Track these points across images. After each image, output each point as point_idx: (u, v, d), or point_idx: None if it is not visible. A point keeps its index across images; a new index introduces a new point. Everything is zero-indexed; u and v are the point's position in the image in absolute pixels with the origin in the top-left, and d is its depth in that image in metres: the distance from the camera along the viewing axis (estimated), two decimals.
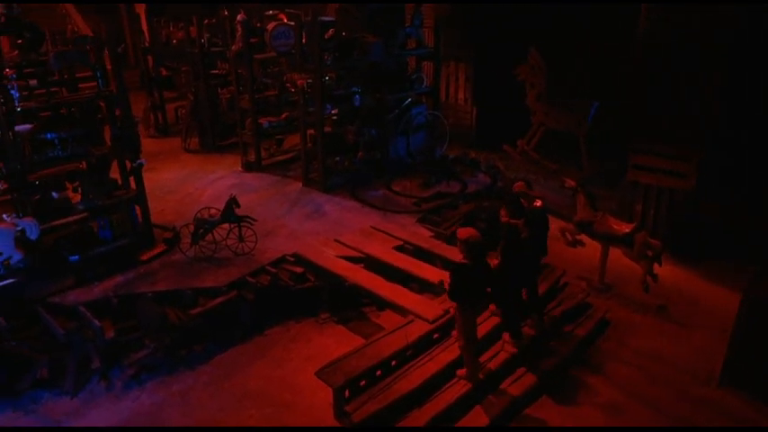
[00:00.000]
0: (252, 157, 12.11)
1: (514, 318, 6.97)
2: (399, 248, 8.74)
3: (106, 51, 8.02)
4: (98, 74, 8.07)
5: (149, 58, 14.60)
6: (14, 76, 7.25)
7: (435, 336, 6.98)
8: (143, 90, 15.02)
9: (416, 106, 12.24)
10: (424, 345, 6.79)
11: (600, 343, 7.57)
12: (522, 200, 6.91)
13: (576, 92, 13.00)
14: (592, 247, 8.87)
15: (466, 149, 14.54)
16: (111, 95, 8.11)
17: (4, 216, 7.52)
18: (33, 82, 8.37)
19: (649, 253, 8.11)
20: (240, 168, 12.23)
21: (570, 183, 8.84)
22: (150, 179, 11.83)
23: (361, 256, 8.52)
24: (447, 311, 7.05)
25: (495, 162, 12.65)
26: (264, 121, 12.09)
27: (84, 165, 8.70)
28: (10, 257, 7.40)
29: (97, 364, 6.89)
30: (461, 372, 6.37)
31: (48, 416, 6.54)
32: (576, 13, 12.60)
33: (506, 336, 6.99)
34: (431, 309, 7.11)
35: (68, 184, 8.51)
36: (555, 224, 10.58)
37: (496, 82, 14.25)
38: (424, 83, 12.24)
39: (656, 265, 8.13)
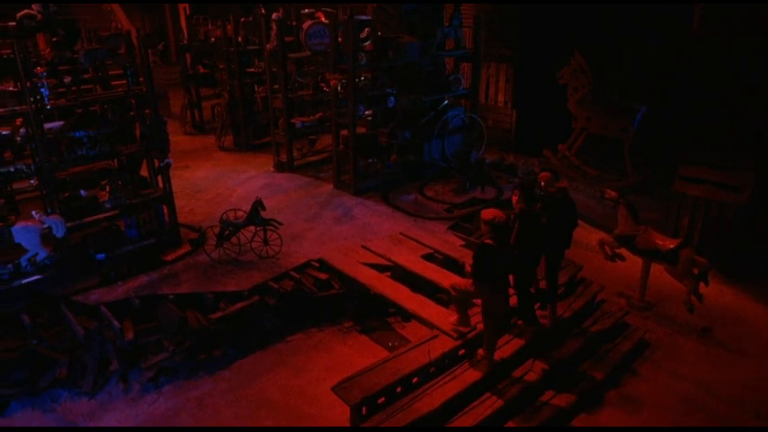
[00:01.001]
0: (284, 158, 11.98)
1: (527, 304, 6.87)
2: (428, 257, 8.43)
3: (137, 49, 7.93)
4: (128, 72, 8.00)
5: (188, 55, 14.66)
6: (45, 74, 7.24)
7: (461, 352, 6.64)
8: (184, 87, 15.08)
9: (453, 108, 11.87)
10: (448, 361, 6.47)
11: (636, 365, 7.11)
12: (548, 188, 6.83)
13: (622, 96, 12.40)
14: (632, 262, 8.38)
15: (504, 153, 14.12)
16: (140, 94, 8.03)
17: (33, 213, 7.54)
18: (68, 79, 8.41)
19: (695, 271, 7.59)
20: (272, 168, 12.11)
21: (611, 193, 8.35)
22: (183, 177, 11.90)
23: (389, 263, 8.24)
24: (474, 327, 6.70)
25: (534, 167, 12.17)
26: (297, 121, 11.93)
27: (115, 163, 8.73)
28: (36, 255, 7.42)
29: (116, 366, 6.82)
30: (480, 351, 6.39)
31: (65, 416, 6.50)
32: (623, 13, 12.01)
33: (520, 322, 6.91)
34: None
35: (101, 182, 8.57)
36: (594, 235, 10.20)
37: (538, 84, 13.77)
38: (462, 84, 11.86)
39: (701, 285, 7.60)
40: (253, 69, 12.99)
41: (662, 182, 11.25)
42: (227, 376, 7.09)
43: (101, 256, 8.12)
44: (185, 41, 14.84)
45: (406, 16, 11.05)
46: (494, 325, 6.08)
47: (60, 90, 8.41)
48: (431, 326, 6.86)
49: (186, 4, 19.54)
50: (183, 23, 19.43)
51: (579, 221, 10.67)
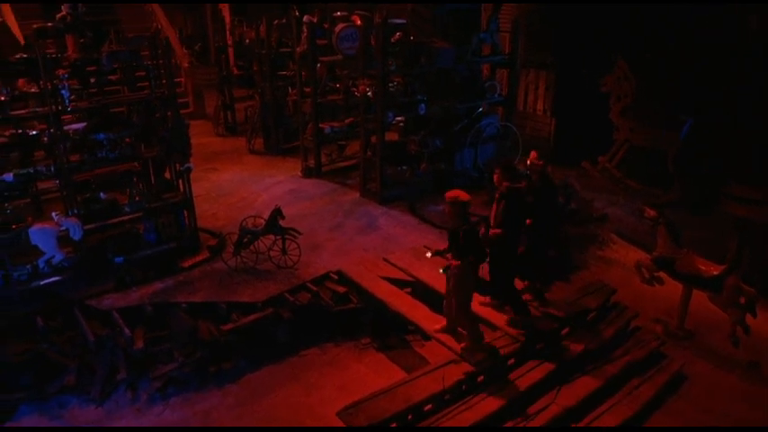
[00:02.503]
0: (312, 163, 11.77)
1: (512, 292, 6.90)
2: None
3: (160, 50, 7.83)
4: (151, 74, 7.90)
5: (222, 56, 14.64)
6: (66, 75, 7.19)
7: (480, 379, 6.25)
8: (218, 88, 15.07)
9: (488, 116, 11.44)
10: (466, 388, 6.09)
11: (671, 402, 6.56)
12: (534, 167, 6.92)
13: (668, 106, 11.71)
14: (672, 285, 7.80)
15: None
16: (162, 96, 7.92)
17: (53, 214, 7.52)
18: (93, 80, 8.39)
19: (742, 300, 6.99)
20: (299, 173, 11.91)
21: (650, 212, 7.79)
22: (210, 180, 11.82)
23: (410, 279, 7.89)
24: (493, 352, 6.30)
25: (571, 180, 11.61)
26: (326, 126, 11.71)
27: (138, 165, 8.67)
28: (52, 257, 7.38)
29: (123, 375, 6.69)
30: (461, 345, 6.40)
31: (71, 423, 6.40)
32: (672, 19, 11.33)
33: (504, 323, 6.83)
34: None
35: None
36: (633, 254, 9.62)
37: (579, 92, 13.18)
38: (498, 91, 11.41)
39: (748, 316, 6.99)
40: (285, 72, 12.83)
41: (709, 198, 10.56)
42: (235, 390, 6.87)
43: (119, 259, 8.05)
44: (219, 43, 14.83)
45: (441, 20, 10.68)
46: (470, 299, 6.34)
47: (91, 91, 8.41)
48: (448, 348, 6.48)
49: (226, 5, 19.62)
50: (228, 24, 19.54)
51: (617, 239, 10.27)
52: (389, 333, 7.63)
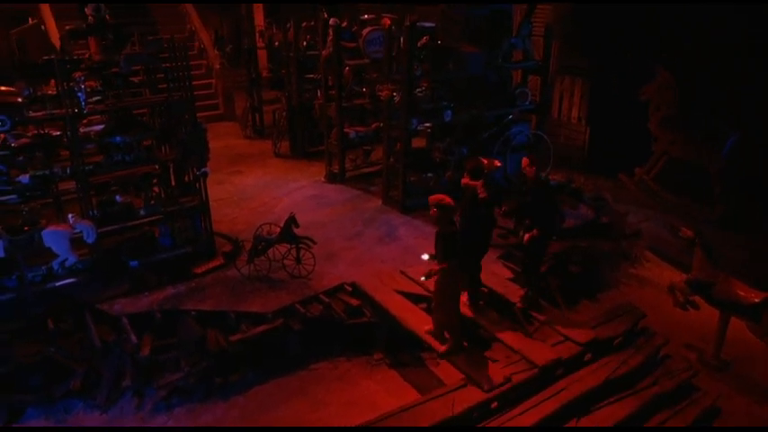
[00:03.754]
0: (336, 168, 11.55)
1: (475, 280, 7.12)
2: None
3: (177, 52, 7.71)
4: (168, 77, 7.80)
5: (251, 59, 14.57)
6: (83, 78, 7.14)
7: (494, 405, 5.90)
8: (247, 90, 15.03)
9: (518, 124, 11.02)
10: (477, 415, 5.75)
11: None
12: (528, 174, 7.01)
13: (713, 120, 11.07)
14: (709, 309, 7.29)
15: (573, 173, 13.04)
16: (179, 100, 7.81)
17: (70, 216, 7.48)
18: (116, 82, 8.33)
19: None
20: (323, 179, 11.71)
21: (687, 232, 7.30)
22: (232, 183, 11.73)
23: (427, 293, 7.57)
24: (509, 379, 5.94)
25: (603, 192, 11.10)
26: (351, 131, 11.48)
27: (158, 168, 8.60)
28: (66, 260, 7.33)
29: (128, 382, 6.58)
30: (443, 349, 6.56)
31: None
32: (722, 24, 10.71)
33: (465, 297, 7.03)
34: (490, 374, 6.02)
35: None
36: (667, 273, 9.10)
37: (616, 100, 12.63)
38: (529, 98, 10.98)
39: None
40: (313, 75, 12.65)
41: (755, 216, 9.96)
42: (241, 402, 6.70)
43: (134, 263, 7.97)
44: (248, 44, 14.78)
45: (471, 24, 10.32)
46: (456, 300, 6.50)
47: (115, 93, 8.35)
48: (461, 371, 6.15)
49: (260, 7, 19.60)
50: (259, 26, 19.53)
51: (652, 256, 9.74)
52: (403, 349, 7.34)
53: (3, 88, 6.78)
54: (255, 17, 20.21)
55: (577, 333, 6.61)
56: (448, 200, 6.14)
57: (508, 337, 6.58)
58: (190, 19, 17.17)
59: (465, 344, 6.60)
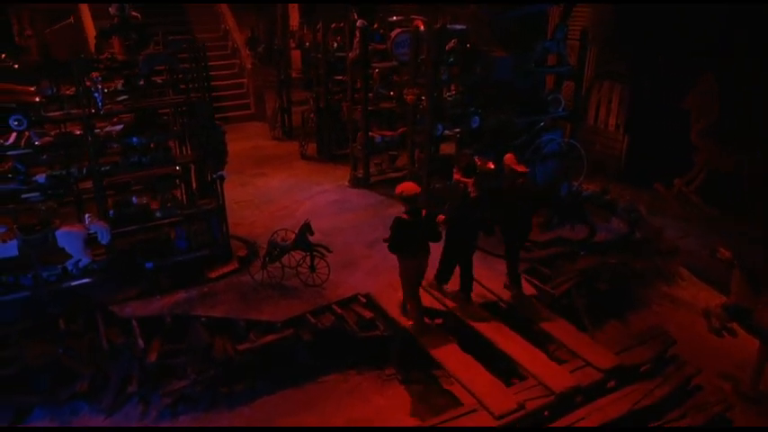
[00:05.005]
0: (360, 173, 11.32)
1: (446, 267, 7.28)
2: (491, 306, 7.35)
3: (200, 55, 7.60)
4: (187, 78, 7.70)
5: (281, 59, 14.47)
6: (100, 78, 7.09)
7: None
8: (276, 91, 14.94)
9: (549, 132, 10.56)
10: None
11: None
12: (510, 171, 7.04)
13: (761, 131, 10.42)
14: (746, 336, 6.79)
15: (609, 183, 12.49)
16: (198, 101, 7.69)
17: (86, 216, 7.46)
18: (142, 83, 8.28)
19: None
20: (347, 183, 11.50)
21: (725, 253, 6.80)
22: (256, 185, 11.62)
23: (443, 308, 7.27)
24: (522, 406, 5.58)
25: (637, 205, 10.55)
26: (377, 135, 11.22)
27: (179, 170, 8.52)
28: (79, 261, 7.30)
29: (134, 388, 6.48)
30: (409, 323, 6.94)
31: None
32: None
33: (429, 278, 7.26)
34: (502, 399, 5.69)
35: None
36: (704, 294, 8.57)
37: (656, 108, 12.05)
38: (562, 105, 10.51)
39: None
40: (341, 77, 12.45)
41: None
42: (246, 414, 6.54)
43: (149, 264, 7.90)
44: (278, 45, 14.70)
45: (502, 26, 9.94)
46: (410, 285, 6.78)
47: (139, 92, 8.31)
48: (472, 395, 5.83)
49: (295, 6, 19.57)
50: (292, 26, 19.48)
51: (688, 274, 9.18)
52: (416, 366, 7.05)
53: (20, 87, 6.77)
54: (291, 17, 20.24)
55: (600, 358, 6.20)
56: (409, 190, 6.37)
57: (525, 359, 6.22)
58: (224, 19, 17.22)
59: (427, 321, 7.04)
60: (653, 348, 6.50)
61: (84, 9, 15.14)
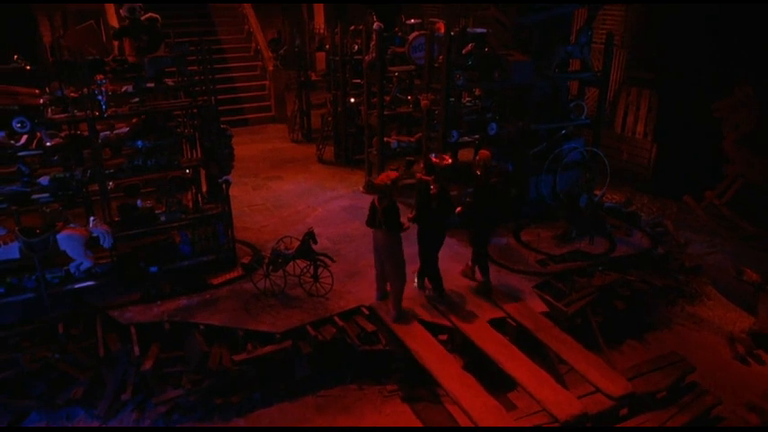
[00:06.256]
0: (375, 178, 11.06)
1: (426, 265, 7.46)
2: (499, 323, 7.01)
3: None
4: (192, 81, 7.57)
5: (302, 61, 14.35)
6: (104, 80, 7.01)
7: None
8: (296, 93, 14.82)
9: (571, 140, 10.15)
10: None
11: None
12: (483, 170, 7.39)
13: None
14: None
15: (635, 194, 12.00)
16: (204, 105, 7.56)
17: (91, 219, 7.40)
18: (152, 85, 8.21)
19: None
20: (361, 189, 11.27)
21: (752, 275, 6.39)
22: (270, 189, 11.49)
23: (449, 324, 6.97)
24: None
25: (663, 218, 10.06)
26: (393, 140, 10.98)
27: (190, 173, 8.42)
28: (80, 264, 7.24)
29: (128, 396, 6.36)
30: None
31: None
32: None
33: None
34: (502, 424, 5.37)
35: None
36: (731, 315, 8.06)
37: (687, 116, 11.51)
38: (585, 112, 10.09)
39: None
40: (359, 80, 12.24)
41: None
42: (241, 425, 6.36)
43: (153, 269, 7.80)
44: (298, 47, 14.57)
45: (523, 29, 9.59)
46: (401, 267, 7.04)
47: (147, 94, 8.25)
48: (469, 418, 5.53)
49: (321, 7, 19.49)
50: (320, 26, 19.41)
51: (715, 293, 8.67)
52: (419, 383, 6.77)
53: (23, 89, 6.74)
54: (316, 19, 20.18)
55: (610, 384, 5.82)
56: (384, 181, 6.87)
57: (531, 382, 5.87)
58: (248, 20, 17.21)
59: (431, 337, 6.82)
60: (670, 375, 6.09)
61: (111, 10, 15.28)
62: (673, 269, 8.64)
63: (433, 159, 7.29)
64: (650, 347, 7.48)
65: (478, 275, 7.76)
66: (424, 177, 7.24)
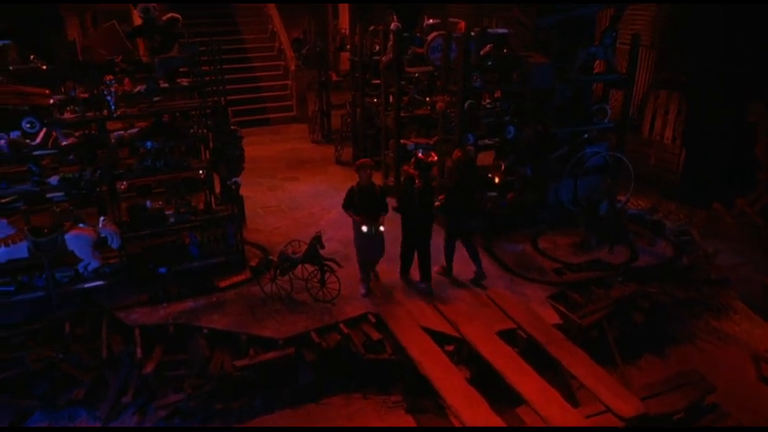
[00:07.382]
0: (391, 181, 10.90)
1: (404, 256, 7.95)
2: (508, 334, 6.77)
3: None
4: (200, 82, 7.52)
5: (324, 61, 14.27)
6: (113, 81, 6.99)
7: None
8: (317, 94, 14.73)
9: (594, 144, 9.80)
10: None
11: None
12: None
13: None
14: None
15: (662, 201, 11.57)
16: (214, 106, 7.50)
17: (101, 219, 7.41)
18: (165, 85, 8.19)
19: None
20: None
21: None
22: (286, 190, 11.41)
23: (456, 335, 6.76)
24: None
25: (689, 227, 9.64)
26: (410, 143, 10.77)
27: (202, 174, 8.38)
28: (88, 264, 7.24)
29: (129, 399, 6.33)
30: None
31: None
32: None
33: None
34: None
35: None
36: (759, 333, 7.66)
37: (717, 120, 11.05)
38: (609, 116, 9.72)
39: None
40: (378, 81, 12.08)
41: None
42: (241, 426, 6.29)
43: (162, 270, 7.78)
44: (319, 47, 14.49)
45: (541, 31, 9.28)
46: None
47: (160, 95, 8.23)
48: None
49: (346, 7, 19.35)
50: (345, 27, 19.28)
51: (743, 307, 8.26)
52: (425, 394, 6.57)
53: (33, 90, 6.76)
54: (340, 19, 20.08)
55: (622, 403, 5.53)
56: (368, 163, 7.53)
57: (538, 399, 5.63)
58: (272, 20, 17.21)
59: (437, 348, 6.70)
60: (688, 396, 5.78)
61: (134, 10, 15.40)
62: (698, 281, 8.24)
63: (420, 156, 7.99)
64: (670, 363, 7.14)
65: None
66: (410, 171, 7.71)
